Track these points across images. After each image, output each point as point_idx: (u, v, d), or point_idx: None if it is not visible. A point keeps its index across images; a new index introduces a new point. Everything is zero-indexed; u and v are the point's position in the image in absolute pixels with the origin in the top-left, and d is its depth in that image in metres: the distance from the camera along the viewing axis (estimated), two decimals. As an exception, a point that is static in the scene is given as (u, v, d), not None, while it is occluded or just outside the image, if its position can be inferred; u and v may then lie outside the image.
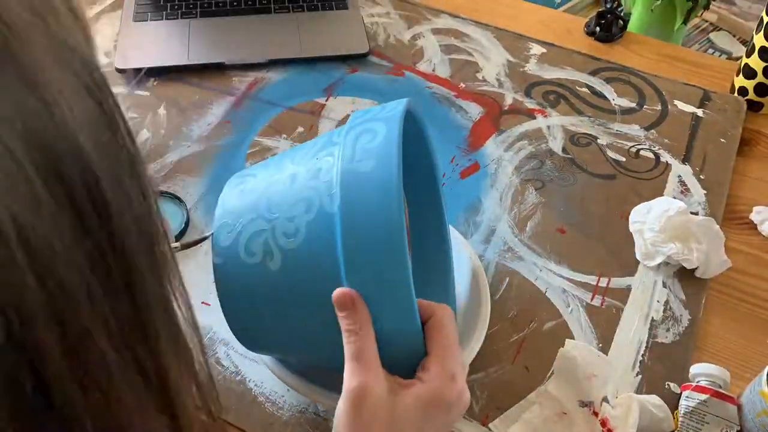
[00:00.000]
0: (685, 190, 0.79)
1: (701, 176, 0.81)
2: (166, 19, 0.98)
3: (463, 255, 0.68)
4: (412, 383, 0.46)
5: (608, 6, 1.00)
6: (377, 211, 0.44)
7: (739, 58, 0.92)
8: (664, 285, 0.70)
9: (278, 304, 0.48)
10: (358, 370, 0.44)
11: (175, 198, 0.75)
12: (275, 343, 0.53)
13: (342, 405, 0.45)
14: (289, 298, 0.48)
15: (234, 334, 0.52)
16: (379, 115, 0.48)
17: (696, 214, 0.76)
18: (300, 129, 0.85)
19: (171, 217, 0.73)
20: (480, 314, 0.62)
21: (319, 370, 0.59)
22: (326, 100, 0.90)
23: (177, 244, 0.50)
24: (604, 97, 0.90)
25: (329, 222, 0.45)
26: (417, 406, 0.45)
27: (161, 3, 1.00)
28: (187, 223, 0.73)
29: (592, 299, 0.69)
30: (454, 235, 0.70)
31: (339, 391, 0.56)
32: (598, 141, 0.85)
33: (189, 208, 0.75)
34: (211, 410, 0.37)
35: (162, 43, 0.95)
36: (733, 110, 0.89)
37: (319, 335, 0.49)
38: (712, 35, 2.13)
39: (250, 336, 0.52)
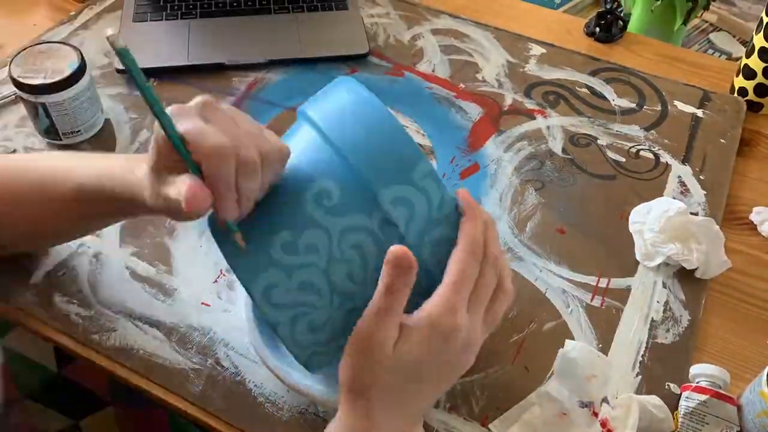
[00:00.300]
0: (685, 191, 0.79)
1: (701, 177, 0.81)
2: (166, 19, 0.98)
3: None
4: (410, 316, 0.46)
5: (608, 6, 1.00)
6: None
7: (739, 59, 0.92)
8: (664, 285, 0.70)
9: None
10: (378, 324, 0.45)
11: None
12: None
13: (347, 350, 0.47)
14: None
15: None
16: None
17: (696, 214, 0.76)
18: (300, 129, 0.85)
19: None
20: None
21: (319, 371, 0.59)
22: (326, 101, 0.90)
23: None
24: (604, 98, 0.90)
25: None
26: (416, 339, 0.46)
27: (161, 3, 1.00)
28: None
29: (591, 300, 0.69)
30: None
31: (339, 392, 0.56)
32: (598, 141, 0.85)
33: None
34: None
35: (162, 43, 0.95)
36: (732, 111, 0.89)
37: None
38: (712, 36, 2.13)
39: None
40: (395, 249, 0.44)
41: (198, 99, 0.45)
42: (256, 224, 0.47)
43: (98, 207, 0.58)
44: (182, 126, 0.43)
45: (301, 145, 0.50)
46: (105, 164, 0.56)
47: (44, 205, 0.59)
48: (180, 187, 0.43)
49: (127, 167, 0.53)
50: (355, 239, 0.47)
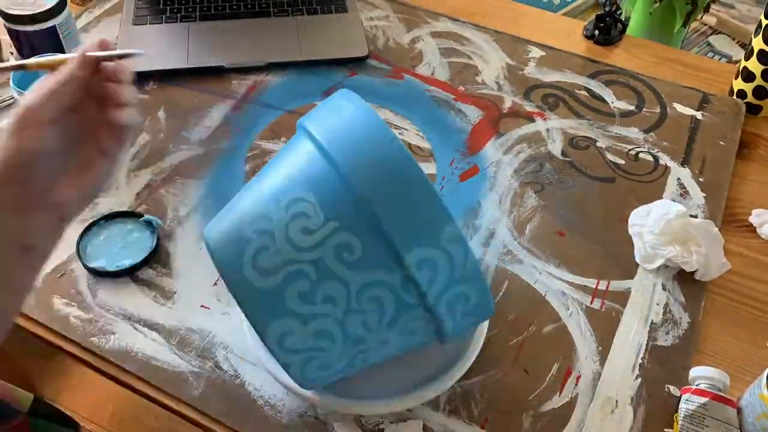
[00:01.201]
0: (684, 193, 0.79)
1: (700, 179, 0.81)
2: (166, 22, 0.98)
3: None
4: None
5: (607, 9, 1.00)
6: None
7: (738, 62, 0.92)
8: (664, 288, 0.70)
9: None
10: None
11: (148, 224, 0.74)
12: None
13: None
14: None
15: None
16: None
17: (695, 216, 0.76)
18: (299, 132, 0.85)
19: (140, 242, 0.72)
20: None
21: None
22: (325, 104, 0.90)
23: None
24: (603, 100, 0.91)
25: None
26: None
27: (160, 6, 1.00)
28: (156, 249, 0.72)
29: (591, 302, 0.69)
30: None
31: (338, 394, 0.56)
32: (597, 144, 0.85)
33: (163, 228, 0.74)
34: None
35: (161, 46, 0.95)
36: (732, 113, 0.89)
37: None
38: (711, 38, 2.13)
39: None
40: None
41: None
42: (270, 269, 0.47)
43: None
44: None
45: (315, 179, 0.48)
46: None
47: None
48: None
49: None
50: (375, 293, 0.48)
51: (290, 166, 0.50)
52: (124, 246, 0.72)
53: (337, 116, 0.51)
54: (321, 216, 0.47)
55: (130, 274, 0.70)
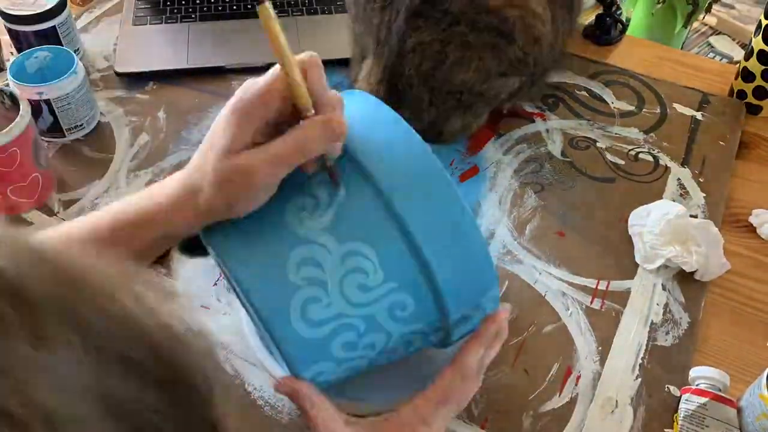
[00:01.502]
0: (684, 193, 0.79)
1: (700, 179, 0.81)
2: (166, 22, 0.98)
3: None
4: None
5: (607, 10, 1.00)
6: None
7: (738, 62, 0.92)
8: (664, 288, 0.70)
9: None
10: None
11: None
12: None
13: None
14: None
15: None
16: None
17: (695, 217, 0.76)
18: (299, 132, 0.85)
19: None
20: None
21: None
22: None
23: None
24: (603, 101, 0.91)
25: None
26: None
27: (161, 7, 1.00)
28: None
29: (591, 302, 0.69)
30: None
31: (338, 394, 0.56)
32: (597, 144, 0.85)
33: None
34: None
35: (161, 46, 0.95)
36: (732, 113, 0.89)
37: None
38: (711, 39, 2.13)
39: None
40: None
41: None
42: (319, 322, 0.46)
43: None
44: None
45: (376, 235, 0.46)
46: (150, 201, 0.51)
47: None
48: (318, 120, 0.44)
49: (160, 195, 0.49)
50: (410, 338, 0.50)
51: (342, 205, 0.46)
52: None
53: (390, 149, 0.47)
54: (381, 275, 0.46)
55: None
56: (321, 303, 0.45)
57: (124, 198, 0.51)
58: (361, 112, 0.50)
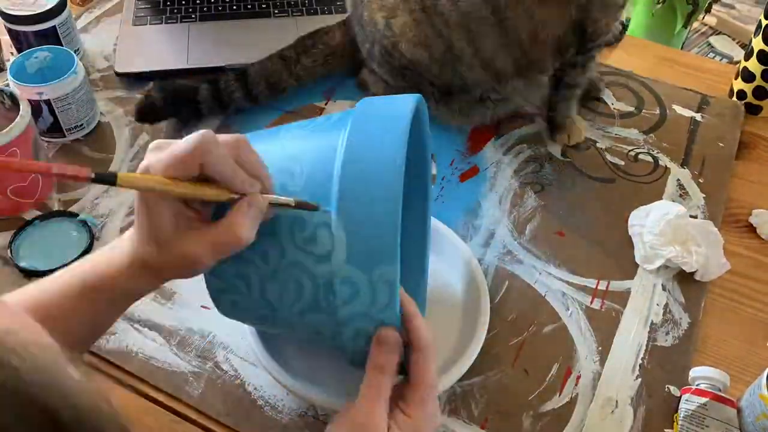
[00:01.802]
0: (684, 194, 0.79)
1: (700, 180, 0.81)
2: (166, 23, 0.98)
3: (462, 258, 0.68)
4: (404, 421, 0.48)
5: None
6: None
7: (738, 62, 0.92)
8: (664, 288, 0.70)
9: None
10: (374, 410, 0.47)
11: (82, 223, 0.74)
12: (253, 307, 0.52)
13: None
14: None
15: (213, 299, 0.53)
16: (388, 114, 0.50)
17: (695, 217, 0.76)
18: (299, 133, 0.85)
19: (75, 241, 0.72)
20: (479, 317, 0.62)
21: (318, 374, 0.59)
22: (325, 104, 0.90)
23: (291, 201, 0.46)
24: (603, 101, 0.91)
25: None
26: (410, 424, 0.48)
27: (161, 7, 1.00)
28: (89, 248, 0.72)
29: (591, 302, 0.69)
30: (452, 238, 0.70)
31: (337, 394, 0.56)
32: (597, 145, 0.85)
33: (97, 228, 0.74)
34: None
35: (161, 47, 0.95)
36: (731, 114, 0.89)
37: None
38: (711, 39, 2.13)
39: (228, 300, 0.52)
40: (386, 331, 0.47)
41: (149, 147, 0.45)
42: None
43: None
44: (158, 162, 0.43)
45: (317, 154, 0.49)
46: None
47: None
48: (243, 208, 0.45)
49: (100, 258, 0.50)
50: (298, 276, 0.49)
51: (313, 137, 0.51)
52: (60, 246, 0.71)
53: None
54: (301, 183, 0.48)
55: None
56: None
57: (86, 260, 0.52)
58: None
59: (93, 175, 0.40)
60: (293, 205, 0.46)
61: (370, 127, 0.49)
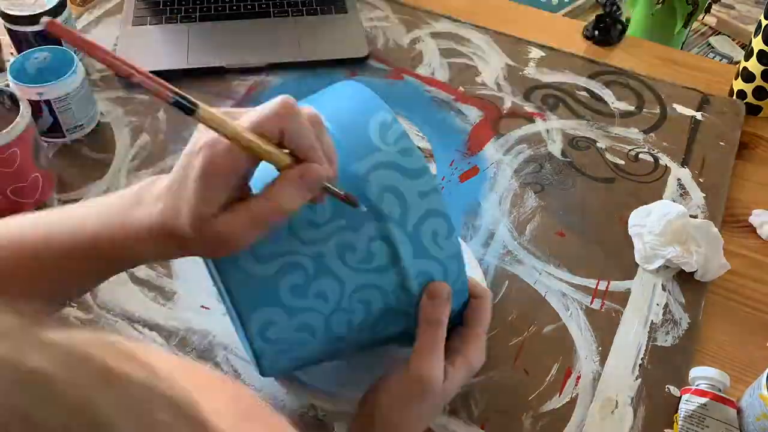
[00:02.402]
0: (684, 194, 0.79)
1: (700, 179, 0.81)
2: (166, 23, 0.98)
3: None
4: (461, 362, 0.51)
5: (607, 10, 1.00)
6: None
7: (738, 62, 0.92)
8: (664, 288, 0.70)
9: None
10: (431, 361, 0.49)
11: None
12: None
13: (402, 388, 0.49)
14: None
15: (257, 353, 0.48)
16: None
17: (695, 217, 0.76)
18: (299, 133, 0.85)
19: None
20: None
21: (318, 373, 0.59)
22: (325, 104, 0.90)
23: (341, 192, 0.44)
24: (603, 101, 0.91)
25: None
26: (457, 377, 0.51)
27: (160, 7, 1.00)
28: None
29: (591, 302, 0.69)
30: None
31: (338, 394, 0.56)
32: (597, 144, 0.85)
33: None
34: None
35: (161, 47, 0.95)
36: (731, 113, 0.89)
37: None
38: (711, 39, 2.13)
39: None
40: (436, 284, 0.48)
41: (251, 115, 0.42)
42: (267, 257, 0.45)
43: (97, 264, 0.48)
44: (243, 120, 0.41)
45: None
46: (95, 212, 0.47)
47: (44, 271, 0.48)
48: (290, 177, 0.41)
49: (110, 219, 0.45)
50: (367, 296, 0.47)
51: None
52: None
53: (349, 105, 0.50)
54: (328, 210, 0.46)
55: None
56: (269, 237, 0.43)
57: (102, 202, 0.47)
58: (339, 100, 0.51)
59: (173, 99, 0.37)
60: (342, 195, 0.44)
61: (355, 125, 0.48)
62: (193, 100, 0.38)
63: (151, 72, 0.36)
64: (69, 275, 0.47)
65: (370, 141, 0.47)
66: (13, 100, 0.74)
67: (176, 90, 0.37)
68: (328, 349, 0.49)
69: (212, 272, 0.51)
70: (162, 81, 0.37)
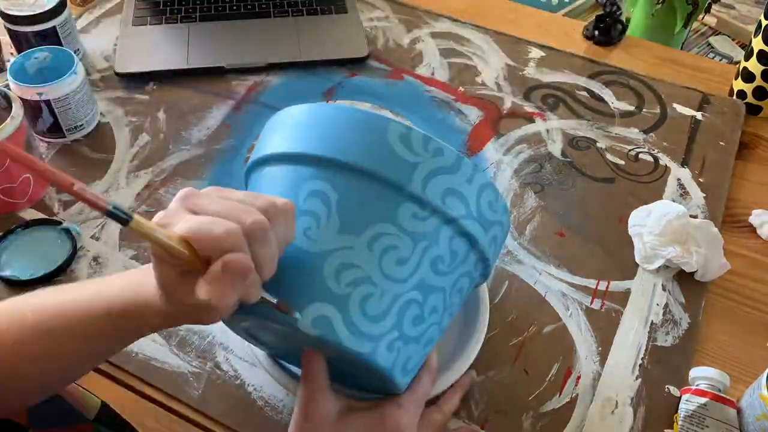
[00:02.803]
0: (684, 194, 0.79)
1: (700, 179, 0.81)
2: (166, 23, 0.98)
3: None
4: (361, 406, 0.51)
5: (607, 10, 1.00)
6: None
7: (738, 62, 0.92)
8: (664, 288, 0.70)
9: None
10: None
11: (65, 231, 0.72)
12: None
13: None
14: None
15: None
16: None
17: (695, 217, 0.76)
18: (299, 133, 0.85)
19: (57, 250, 0.70)
20: (479, 318, 0.62)
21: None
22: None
23: (297, 316, 0.44)
24: (603, 101, 0.91)
25: None
26: (358, 426, 0.50)
27: (160, 7, 1.00)
28: (72, 256, 0.71)
29: (591, 303, 0.69)
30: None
31: (338, 393, 0.56)
32: (597, 144, 0.85)
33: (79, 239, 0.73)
34: None
35: (161, 47, 0.95)
36: (732, 113, 0.89)
37: None
38: (711, 39, 2.13)
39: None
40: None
41: (178, 194, 0.43)
42: (381, 313, 0.46)
43: (107, 335, 0.49)
44: (178, 229, 0.40)
45: (384, 210, 0.47)
46: (107, 287, 0.49)
47: (58, 351, 0.50)
48: (203, 289, 0.41)
49: (129, 285, 0.47)
50: (461, 285, 0.51)
51: (340, 205, 0.47)
52: (42, 255, 0.70)
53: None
54: (408, 240, 0.47)
55: (46, 282, 0.68)
56: (374, 296, 0.45)
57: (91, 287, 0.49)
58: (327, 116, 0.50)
59: (110, 208, 0.38)
60: (275, 303, 0.44)
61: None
62: (128, 211, 0.39)
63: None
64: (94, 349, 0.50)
65: (404, 160, 0.47)
66: (9, 101, 0.73)
67: (114, 202, 0.38)
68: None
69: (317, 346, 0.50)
70: (99, 194, 0.38)
